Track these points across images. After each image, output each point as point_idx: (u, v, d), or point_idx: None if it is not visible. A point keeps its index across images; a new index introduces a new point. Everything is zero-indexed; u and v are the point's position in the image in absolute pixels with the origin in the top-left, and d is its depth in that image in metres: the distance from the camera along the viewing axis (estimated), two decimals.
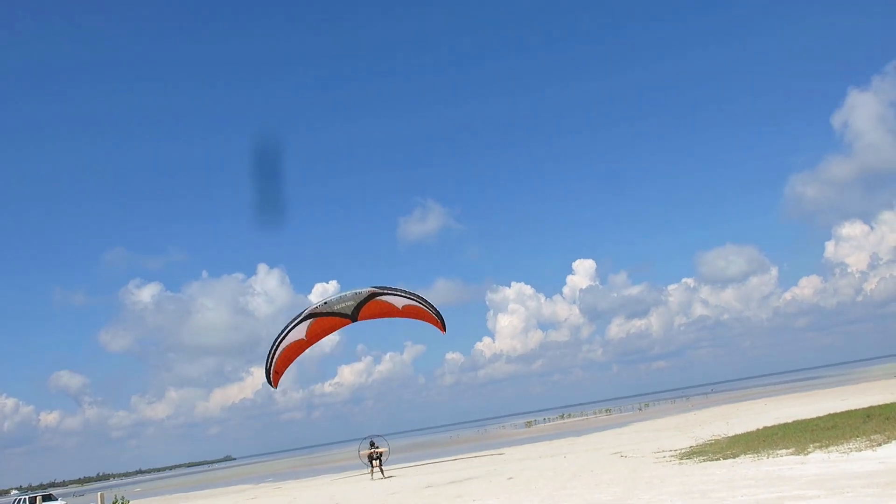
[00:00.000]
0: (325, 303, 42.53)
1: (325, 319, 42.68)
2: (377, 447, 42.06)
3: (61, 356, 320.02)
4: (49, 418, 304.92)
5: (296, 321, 42.12)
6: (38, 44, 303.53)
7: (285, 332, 42.24)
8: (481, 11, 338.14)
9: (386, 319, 46.07)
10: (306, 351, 45.00)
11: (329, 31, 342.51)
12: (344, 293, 42.77)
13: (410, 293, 43.90)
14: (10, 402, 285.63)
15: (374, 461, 41.48)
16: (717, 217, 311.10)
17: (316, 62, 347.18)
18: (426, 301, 44.42)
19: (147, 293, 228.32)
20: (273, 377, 43.23)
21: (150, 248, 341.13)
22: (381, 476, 40.27)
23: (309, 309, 42.70)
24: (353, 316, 42.99)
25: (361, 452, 43.02)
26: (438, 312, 44.78)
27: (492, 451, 52.66)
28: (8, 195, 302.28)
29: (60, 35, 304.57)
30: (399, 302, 43.51)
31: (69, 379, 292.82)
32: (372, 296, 42.55)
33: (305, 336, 42.86)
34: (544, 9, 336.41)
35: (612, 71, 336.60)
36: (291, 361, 44.23)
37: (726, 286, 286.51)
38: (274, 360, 42.75)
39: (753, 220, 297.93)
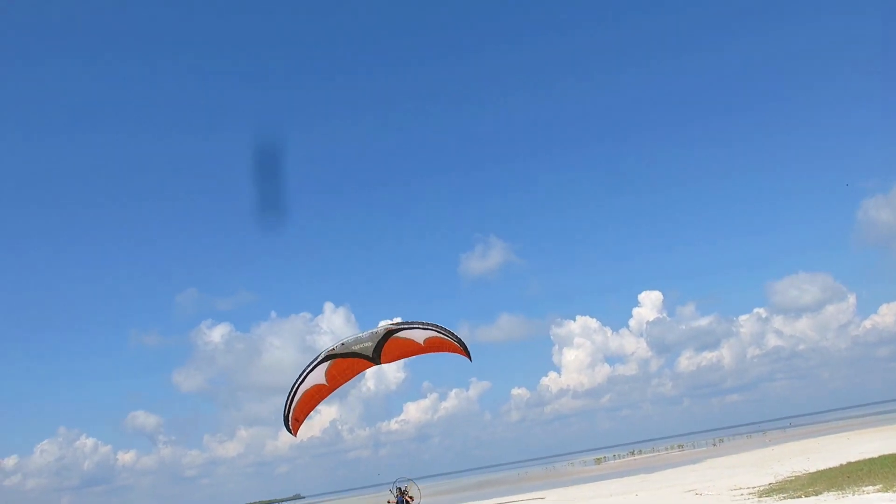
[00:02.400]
0: (343, 343, 40.62)
1: (343, 361, 40.85)
2: (406, 492, 39.04)
3: (137, 396, 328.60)
4: (126, 457, 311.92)
5: (313, 364, 40.57)
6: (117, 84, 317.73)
7: (303, 376, 40.38)
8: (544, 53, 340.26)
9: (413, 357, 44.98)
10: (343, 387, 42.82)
11: (393, 74, 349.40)
12: (360, 334, 40.96)
13: (428, 324, 41.21)
14: (89, 442, 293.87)
15: None
16: (786, 245, 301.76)
17: (381, 105, 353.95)
18: (446, 330, 41.19)
19: (217, 333, 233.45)
20: (293, 425, 41.40)
21: (220, 290, 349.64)
22: None
23: (326, 350, 40.66)
24: (375, 358, 40.85)
25: (390, 501, 39.18)
26: (461, 340, 41.76)
27: (532, 496, 51.71)
28: (87, 241, 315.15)
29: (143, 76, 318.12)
30: (419, 336, 40.90)
31: (145, 419, 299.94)
32: (389, 333, 40.53)
33: (326, 381, 41.04)
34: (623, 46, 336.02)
35: (673, 102, 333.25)
36: (312, 408, 42.52)
37: (800, 315, 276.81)
38: (292, 406, 40.98)
39: (826, 248, 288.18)
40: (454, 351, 42.38)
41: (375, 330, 39.61)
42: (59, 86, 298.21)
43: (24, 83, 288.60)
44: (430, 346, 41.78)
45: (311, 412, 42.10)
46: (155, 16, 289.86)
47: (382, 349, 40.24)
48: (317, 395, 41.09)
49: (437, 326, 40.58)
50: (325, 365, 39.66)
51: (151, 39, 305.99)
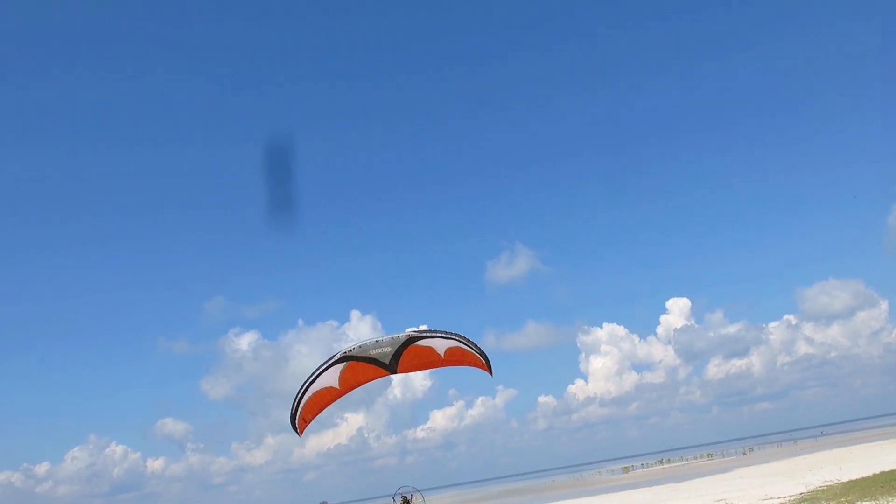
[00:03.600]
0: (360, 346, 38.97)
1: (359, 365, 39.27)
2: (411, 502, 36.65)
3: (166, 404, 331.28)
4: (155, 465, 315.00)
5: (327, 364, 38.93)
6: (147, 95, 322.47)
7: (315, 375, 38.73)
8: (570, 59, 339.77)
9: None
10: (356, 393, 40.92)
11: (422, 79, 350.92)
12: (380, 338, 39.56)
13: (451, 333, 39.35)
14: (119, 449, 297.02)
15: None
16: (816, 251, 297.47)
17: (408, 112, 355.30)
18: (469, 341, 39.75)
19: (245, 341, 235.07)
20: (299, 425, 39.75)
21: (248, 298, 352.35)
22: None
23: (342, 351, 39.21)
24: (392, 367, 39.50)
25: None
26: (484, 353, 39.54)
27: None
28: (117, 249, 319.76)
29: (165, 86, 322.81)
30: (441, 346, 39.31)
31: (173, 426, 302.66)
32: (410, 340, 39.19)
33: (338, 384, 39.60)
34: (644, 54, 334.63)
35: (705, 107, 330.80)
36: (321, 410, 40.64)
37: (831, 323, 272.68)
38: (300, 406, 39.42)
39: (857, 254, 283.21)
40: (475, 364, 41.89)
41: (397, 335, 38.39)
42: (87, 95, 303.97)
43: (49, 92, 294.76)
44: (451, 359, 40.02)
45: (319, 414, 40.09)
46: (179, 24, 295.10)
47: (401, 357, 39.07)
48: (327, 397, 39.30)
49: (460, 336, 39.26)
50: (340, 367, 38.55)
51: (169, 49, 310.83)
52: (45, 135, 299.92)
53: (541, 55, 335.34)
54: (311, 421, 39.67)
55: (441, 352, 38.95)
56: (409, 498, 36.08)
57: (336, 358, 38.08)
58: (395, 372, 39.25)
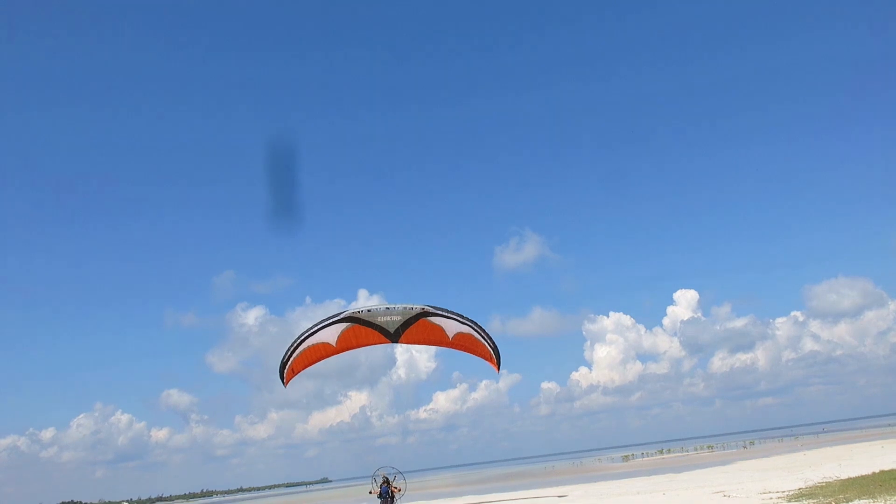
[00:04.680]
0: (369, 310, 38.36)
1: (362, 329, 38.61)
2: (393, 485, 36.55)
3: (171, 375, 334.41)
4: (159, 434, 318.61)
5: (330, 321, 38.23)
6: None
7: (315, 330, 38.20)
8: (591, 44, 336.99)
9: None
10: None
11: (435, 60, 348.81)
12: (393, 305, 38.68)
13: (468, 319, 39.58)
14: (124, 418, 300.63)
15: (386, 500, 35.44)
16: (826, 249, 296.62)
17: (420, 91, 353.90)
18: (485, 332, 39.93)
19: (252, 316, 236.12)
20: (287, 374, 38.99)
21: (258, 273, 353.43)
22: None
23: (348, 311, 38.62)
24: (395, 336, 38.95)
25: (373, 490, 36.80)
26: (496, 348, 40.23)
27: (555, 491, 51.57)
28: (129, 221, 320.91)
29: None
30: (451, 328, 39.46)
31: (178, 398, 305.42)
32: (423, 314, 38.81)
33: (335, 343, 38.73)
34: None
35: (720, 97, 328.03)
36: (311, 364, 39.81)
37: (839, 321, 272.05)
38: (293, 356, 38.46)
39: (867, 252, 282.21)
40: (483, 356, 40.67)
41: (411, 306, 38.29)
42: (105, 62, 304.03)
43: (68, 55, 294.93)
44: (458, 343, 40.25)
45: (308, 368, 39.63)
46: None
47: (408, 329, 38.77)
48: (321, 353, 39.06)
49: (476, 325, 39.44)
50: (343, 326, 38.13)
51: (179, 19, 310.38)
52: (58, 99, 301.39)
53: (556, 38, 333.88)
54: (299, 372, 39.49)
55: (451, 333, 39.49)
56: (390, 479, 36.44)
57: (341, 317, 38.12)
58: (396, 342, 39.08)
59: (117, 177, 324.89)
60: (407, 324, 38.48)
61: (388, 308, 38.01)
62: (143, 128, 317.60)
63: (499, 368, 41.33)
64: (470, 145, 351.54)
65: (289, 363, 38.34)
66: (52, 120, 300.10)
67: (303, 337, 38.00)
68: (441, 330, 39.37)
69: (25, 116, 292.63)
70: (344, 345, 38.97)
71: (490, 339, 39.66)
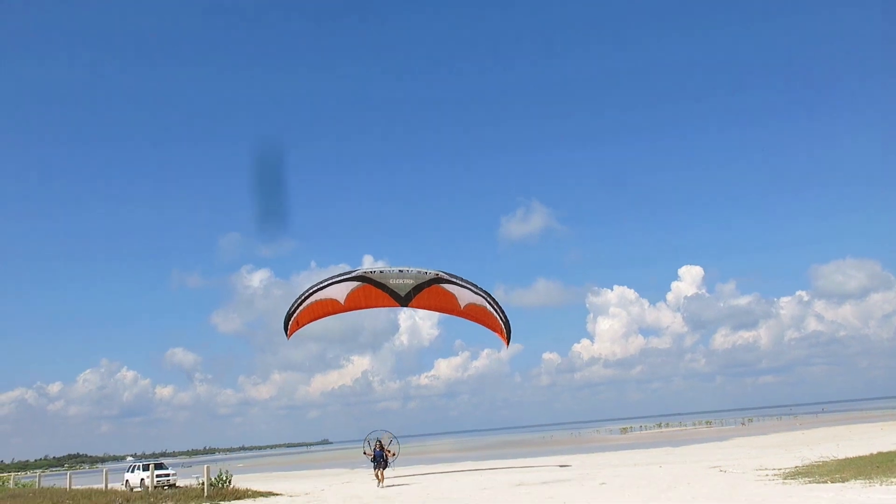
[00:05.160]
0: (382, 272, 37.70)
1: (372, 290, 37.81)
2: (387, 448, 35.95)
3: (176, 334, 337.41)
4: (164, 392, 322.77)
5: (341, 278, 37.67)
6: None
7: (325, 284, 37.64)
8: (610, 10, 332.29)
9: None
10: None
11: (444, 29, 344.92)
12: (407, 268, 37.96)
13: (482, 290, 38.93)
14: (129, 375, 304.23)
15: (380, 463, 34.66)
16: (835, 229, 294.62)
17: (432, 53, 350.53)
18: (499, 306, 39.28)
19: (257, 278, 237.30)
20: (291, 326, 38.28)
21: (263, 234, 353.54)
22: (382, 484, 33.77)
23: (360, 270, 38.05)
24: (405, 300, 38.19)
25: (366, 451, 36.03)
26: (508, 323, 39.44)
27: (556, 460, 51.96)
28: (138, 178, 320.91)
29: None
30: (464, 297, 38.81)
31: (183, 356, 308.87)
32: (437, 280, 38.06)
33: (344, 300, 37.94)
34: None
35: (730, 71, 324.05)
36: (316, 319, 39.03)
37: (844, 302, 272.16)
38: (299, 308, 37.78)
39: (876, 235, 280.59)
40: (494, 329, 39.98)
41: (425, 270, 37.83)
42: (110, 18, 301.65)
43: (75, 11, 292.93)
44: (469, 313, 39.69)
45: (313, 322, 39.04)
46: None
47: (419, 294, 38.14)
48: (328, 309, 38.47)
49: (491, 297, 38.99)
50: (354, 285, 37.58)
51: None
52: (70, 60, 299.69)
53: (569, 4, 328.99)
54: (303, 325, 38.98)
55: (462, 303, 39.08)
56: (384, 442, 35.95)
57: (353, 275, 37.69)
58: (405, 306, 38.71)
59: (128, 134, 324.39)
60: (419, 288, 37.95)
61: (401, 271, 37.50)
62: (149, 85, 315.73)
63: (508, 343, 40.79)
64: (480, 113, 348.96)
65: (294, 315, 37.80)
66: (56, 76, 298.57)
67: (312, 290, 37.48)
68: (453, 298, 38.91)
69: (31, 66, 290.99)
70: (352, 304, 38.42)
71: (503, 312, 39.08)
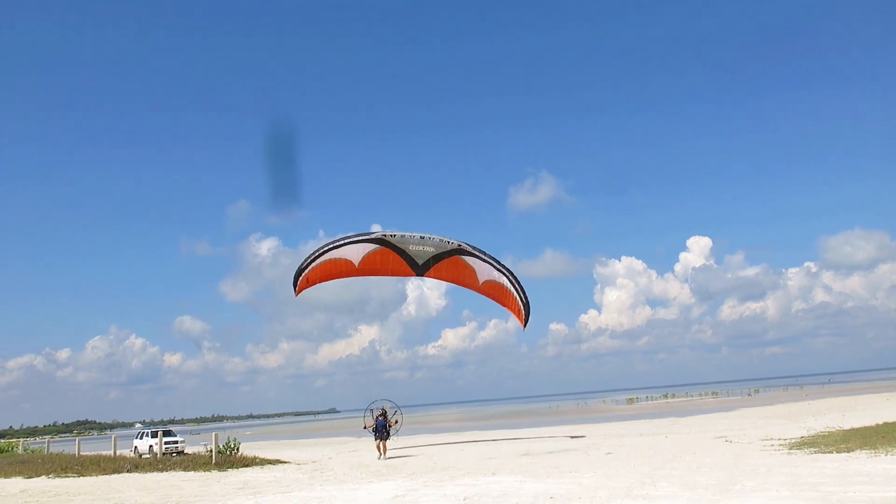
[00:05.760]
0: (402, 236, 36.01)
1: (390, 255, 36.34)
2: (391, 419, 34.14)
3: (185, 302, 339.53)
4: (172, 359, 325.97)
5: (359, 237, 36.15)
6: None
7: (342, 243, 35.91)
8: None
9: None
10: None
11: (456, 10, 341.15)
12: (429, 235, 36.36)
13: (505, 267, 37.56)
14: (138, 342, 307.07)
15: (381, 434, 32.83)
16: (845, 200, 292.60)
17: (436, 29, 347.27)
18: (520, 285, 37.64)
19: (266, 247, 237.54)
20: (301, 283, 36.34)
21: (272, 203, 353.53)
22: (383, 456, 32.12)
23: (380, 233, 36.31)
24: (422, 269, 36.78)
25: (368, 424, 34.13)
26: (528, 304, 37.92)
27: (568, 429, 52.17)
28: (148, 146, 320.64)
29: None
30: (484, 273, 37.47)
31: (191, 324, 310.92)
32: (459, 251, 36.66)
33: (358, 263, 36.22)
34: None
35: (740, 44, 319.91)
36: (328, 279, 37.07)
37: (852, 273, 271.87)
38: (311, 265, 36.01)
39: (886, 206, 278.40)
40: (510, 309, 38.15)
41: (448, 239, 36.38)
42: None
43: None
44: (488, 290, 38.14)
45: (323, 282, 37.14)
46: None
47: (438, 264, 36.70)
48: (342, 269, 36.62)
49: (512, 276, 37.34)
50: (371, 248, 35.92)
51: None
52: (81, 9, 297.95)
53: None
54: (313, 284, 37.00)
55: (482, 278, 37.63)
56: (390, 412, 34.17)
57: (372, 237, 36.11)
58: (421, 276, 37.29)
59: (138, 101, 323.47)
60: (439, 257, 36.64)
61: (422, 237, 36.19)
62: (158, 51, 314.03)
63: (526, 326, 39.06)
64: (491, 83, 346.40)
65: (306, 271, 36.14)
66: (64, 40, 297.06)
67: (327, 248, 35.99)
68: (472, 272, 37.62)
69: (31, 31, 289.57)
70: (366, 268, 36.81)
71: (523, 292, 37.63)
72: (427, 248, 36.14)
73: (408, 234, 35.85)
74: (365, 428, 34.58)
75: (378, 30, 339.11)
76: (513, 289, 37.30)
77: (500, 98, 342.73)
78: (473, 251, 36.55)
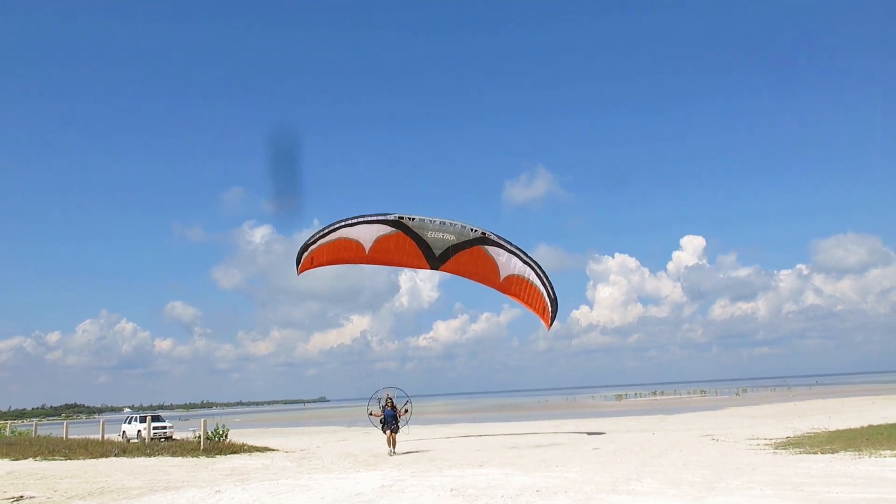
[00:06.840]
0: (421, 219, 32.56)
1: (405, 240, 32.73)
2: (400, 408, 30.45)
3: (176, 287, 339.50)
4: (163, 345, 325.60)
5: (374, 217, 32.56)
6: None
7: (355, 222, 32.40)
8: None
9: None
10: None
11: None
12: (451, 221, 32.90)
13: (532, 260, 33.71)
14: (129, 327, 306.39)
15: (389, 426, 29.31)
16: (838, 203, 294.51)
17: (434, 23, 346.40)
18: (549, 282, 33.55)
19: (259, 234, 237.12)
20: (304, 261, 32.86)
21: (266, 191, 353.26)
22: (393, 450, 28.87)
23: (397, 214, 32.63)
24: (438, 261, 33.31)
25: (374, 414, 30.67)
26: (556, 299, 33.75)
27: (578, 423, 52.39)
28: (141, 130, 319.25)
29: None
30: (507, 267, 33.67)
31: (182, 310, 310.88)
32: (482, 240, 33.11)
33: (370, 248, 32.75)
34: None
35: (736, 44, 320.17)
36: (333, 262, 33.88)
37: (843, 276, 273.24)
38: (319, 242, 32.52)
39: (879, 210, 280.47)
40: (534, 307, 34.58)
41: (471, 227, 32.84)
42: None
43: None
44: (509, 287, 34.38)
45: (329, 265, 34.04)
46: None
47: (457, 254, 32.98)
48: (351, 254, 33.20)
49: (540, 270, 33.50)
50: (386, 230, 32.41)
51: None
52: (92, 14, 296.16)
53: None
54: (318, 265, 33.80)
55: (504, 273, 33.79)
56: (395, 401, 30.56)
57: (388, 218, 32.60)
58: (435, 268, 33.85)
59: (131, 87, 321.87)
60: (458, 248, 33.01)
61: (442, 223, 32.59)
62: (155, 38, 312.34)
63: (550, 326, 35.23)
64: (489, 77, 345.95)
65: (312, 248, 32.60)
66: (61, 26, 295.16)
67: (338, 226, 32.27)
68: (494, 266, 33.79)
69: (31, 22, 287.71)
70: (376, 254, 33.23)
71: (552, 288, 33.64)
72: (447, 236, 32.79)
73: (427, 218, 32.75)
74: (370, 415, 31.04)
75: (374, 23, 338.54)
76: (541, 285, 33.71)
77: (498, 92, 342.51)
78: (498, 240, 33.32)
